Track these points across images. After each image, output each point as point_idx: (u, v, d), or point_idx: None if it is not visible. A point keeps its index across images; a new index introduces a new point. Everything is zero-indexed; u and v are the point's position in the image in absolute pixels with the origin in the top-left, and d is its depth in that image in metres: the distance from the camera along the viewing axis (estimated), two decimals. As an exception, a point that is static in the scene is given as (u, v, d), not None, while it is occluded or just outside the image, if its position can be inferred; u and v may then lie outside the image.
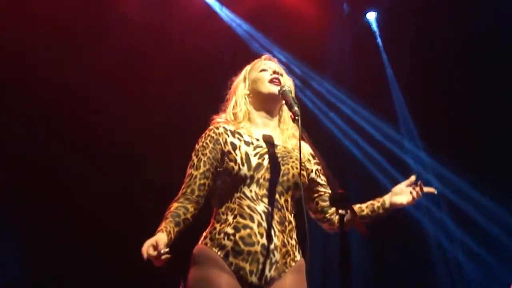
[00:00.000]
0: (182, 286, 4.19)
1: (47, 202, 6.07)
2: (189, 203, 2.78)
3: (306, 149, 2.93)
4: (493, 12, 6.32)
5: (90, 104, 6.19)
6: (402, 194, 2.90)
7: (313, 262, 2.78)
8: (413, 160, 6.89)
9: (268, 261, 2.68)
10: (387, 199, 2.91)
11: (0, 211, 5.97)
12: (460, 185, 6.62)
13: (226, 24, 6.76)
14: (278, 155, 2.83)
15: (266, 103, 2.93)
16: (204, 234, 2.80)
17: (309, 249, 2.67)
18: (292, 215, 2.83)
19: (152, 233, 2.68)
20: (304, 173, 2.86)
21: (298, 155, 2.76)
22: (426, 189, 2.90)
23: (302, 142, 2.74)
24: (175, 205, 2.77)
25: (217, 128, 2.88)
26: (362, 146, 6.91)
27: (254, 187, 2.75)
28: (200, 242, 2.78)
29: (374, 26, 7.03)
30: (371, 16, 7.06)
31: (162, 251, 2.51)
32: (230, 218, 2.73)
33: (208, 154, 2.83)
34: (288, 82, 2.98)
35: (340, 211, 2.35)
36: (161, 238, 2.57)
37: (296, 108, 2.72)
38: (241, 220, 2.71)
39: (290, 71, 4.36)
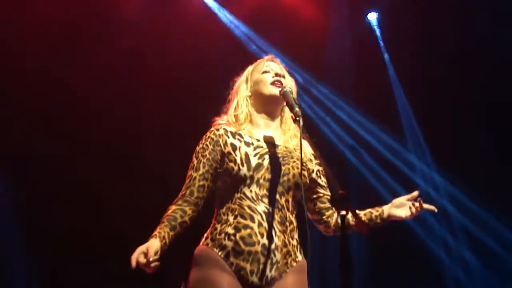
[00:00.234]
0: (183, 287, 4.19)
1: (47, 202, 6.08)
2: (188, 205, 2.79)
3: (308, 149, 2.92)
4: (494, 12, 6.32)
5: (90, 104, 6.19)
6: (402, 207, 2.88)
7: (312, 263, 2.76)
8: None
9: (269, 261, 2.68)
10: (386, 209, 2.90)
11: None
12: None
13: (226, 25, 6.75)
14: (279, 155, 2.83)
15: (268, 105, 2.93)
16: (205, 235, 2.81)
17: (310, 249, 2.67)
18: (294, 215, 2.83)
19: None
20: (305, 173, 2.85)
21: (299, 155, 2.76)
22: (426, 206, 2.88)
23: (303, 142, 2.74)
24: (172, 208, 2.78)
25: (217, 130, 2.89)
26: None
27: (254, 187, 2.75)
28: (201, 243, 2.79)
29: (376, 27, 7.01)
30: (372, 17, 7.04)
31: (150, 259, 2.52)
32: (231, 218, 2.74)
33: (208, 156, 2.84)
34: (290, 83, 2.98)
35: (340, 211, 2.34)
36: (152, 245, 2.59)
37: (297, 109, 2.72)
38: (241, 220, 2.72)
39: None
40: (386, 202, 2.96)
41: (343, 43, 6.96)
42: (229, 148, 2.82)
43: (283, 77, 2.96)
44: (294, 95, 2.87)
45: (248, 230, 2.69)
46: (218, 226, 2.76)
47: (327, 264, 6.37)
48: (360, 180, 6.76)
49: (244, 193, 2.75)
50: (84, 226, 6.06)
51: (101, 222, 6.01)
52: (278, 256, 2.70)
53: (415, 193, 2.89)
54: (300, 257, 2.81)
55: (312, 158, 2.94)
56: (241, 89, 2.99)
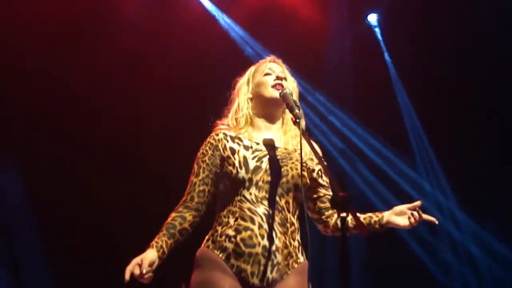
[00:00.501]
0: (183, 288, 4.21)
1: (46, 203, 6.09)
2: (188, 212, 2.82)
3: (308, 148, 2.87)
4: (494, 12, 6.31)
5: (90, 104, 6.19)
6: (402, 215, 2.82)
7: (311, 263, 2.75)
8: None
9: (270, 263, 2.69)
10: (386, 216, 2.83)
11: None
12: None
13: (225, 27, 6.75)
14: (278, 157, 2.83)
15: (268, 107, 2.93)
16: (206, 237, 2.82)
17: (309, 250, 2.68)
18: (295, 216, 2.82)
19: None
20: (305, 173, 2.85)
21: (299, 155, 2.76)
22: (426, 216, 2.81)
23: (304, 142, 2.73)
24: (172, 215, 2.81)
25: (217, 135, 2.91)
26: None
27: (253, 190, 2.76)
28: (202, 245, 2.80)
29: (376, 28, 6.97)
30: (373, 18, 7.01)
31: (144, 271, 2.55)
32: (232, 220, 2.75)
33: (207, 161, 2.86)
34: (291, 85, 2.98)
35: (341, 214, 2.34)
36: (147, 257, 2.62)
37: (297, 111, 2.72)
38: (242, 222, 2.72)
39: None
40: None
41: (343, 44, 6.93)
42: (228, 152, 2.84)
43: (285, 79, 2.95)
44: (295, 97, 2.87)
45: (249, 232, 2.70)
46: (219, 229, 2.77)
47: (326, 264, 6.37)
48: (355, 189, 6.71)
49: (244, 196, 2.76)
50: (83, 227, 6.06)
51: (101, 222, 6.02)
52: (279, 257, 2.70)
53: (418, 203, 2.81)
54: (302, 259, 2.80)
55: (313, 157, 2.92)
56: (242, 91, 2.99)
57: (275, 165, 2.80)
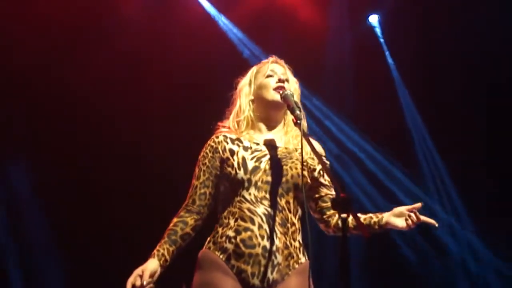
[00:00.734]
0: (184, 289, 4.22)
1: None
2: (189, 216, 2.83)
3: (309, 148, 2.83)
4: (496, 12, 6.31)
5: (89, 104, 6.18)
6: (401, 217, 2.77)
7: (311, 263, 2.75)
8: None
9: (270, 264, 2.68)
10: (385, 217, 2.80)
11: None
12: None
13: (224, 28, 6.76)
14: (278, 157, 2.83)
15: (270, 110, 2.93)
16: (208, 238, 2.83)
17: (310, 250, 2.69)
18: (297, 217, 2.82)
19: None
20: (306, 172, 2.83)
21: (299, 155, 2.76)
22: (424, 218, 2.75)
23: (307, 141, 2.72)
24: (174, 220, 2.82)
25: (217, 137, 2.92)
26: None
27: (252, 190, 2.76)
28: (204, 247, 2.81)
29: (377, 29, 6.94)
30: (374, 19, 6.97)
31: (144, 283, 2.59)
32: (232, 221, 2.75)
33: (208, 163, 2.87)
34: (293, 85, 2.97)
35: (342, 215, 2.34)
36: (148, 268, 2.65)
37: (298, 112, 2.71)
38: (242, 223, 2.72)
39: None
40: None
41: (343, 46, 6.89)
42: (227, 154, 2.84)
43: (287, 80, 2.95)
44: (296, 98, 2.86)
45: (249, 233, 2.70)
46: (220, 230, 2.78)
47: (324, 265, 6.38)
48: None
49: (243, 196, 2.76)
50: (83, 227, 6.07)
51: (100, 223, 6.03)
52: (279, 258, 2.70)
53: (418, 205, 2.76)
54: (303, 259, 2.80)
55: (314, 156, 2.89)
56: (244, 92, 2.98)
57: (275, 165, 2.80)
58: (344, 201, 2.34)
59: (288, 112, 2.89)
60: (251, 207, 2.74)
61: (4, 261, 5.97)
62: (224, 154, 2.85)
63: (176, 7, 6.52)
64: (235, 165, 2.79)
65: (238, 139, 2.89)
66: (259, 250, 2.68)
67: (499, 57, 6.38)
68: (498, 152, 6.25)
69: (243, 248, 2.68)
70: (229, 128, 2.95)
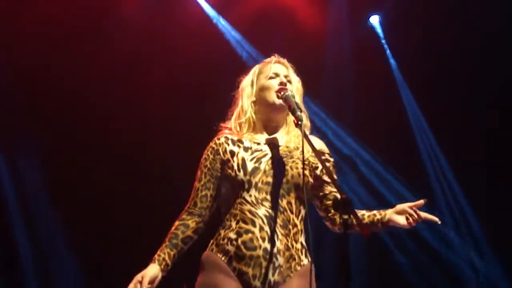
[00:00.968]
0: (185, 289, 4.23)
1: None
2: (191, 218, 2.83)
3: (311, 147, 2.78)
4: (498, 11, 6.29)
5: (90, 104, 6.19)
6: (403, 214, 2.73)
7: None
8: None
9: (271, 266, 2.67)
10: (388, 214, 2.75)
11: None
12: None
13: (224, 28, 6.75)
14: (278, 157, 2.81)
15: (272, 113, 2.90)
16: (211, 240, 2.83)
17: (310, 250, 2.69)
18: (299, 218, 2.78)
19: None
20: (307, 171, 2.80)
21: (300, 154, 2.73)
22: (425, 215, 2.71)
23: (310, 139, 2.71)
24: (176, 224, 2.83)
25: (218, 139, 2.91)
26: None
27: (253, 192, 2.74)
28: (207, 248, 2.81)
29: (378, 29, 6.89)
30: (375, 20, 6.93)
31: None
32: (233, 223, 2.74)
33: (209, 166, 2.87)
34: (296, 85, 2.94)
35: (343, 216, 2.33)
36: (147, 273, 2.67)
37: (299, 113, 2.68)
38: (243, 225, 2.71)
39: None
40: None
41: (343, 47, 6.85)
42: (228, 155, 2.83)
43: (289, 82, 2.91)
44: (297, 99, 2.84)
45: (250, 235, 2.69)
46: (222, 232, 2.77)
47: (324, 265, 6.37)
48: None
49: (244, 198, 2.75)
50: (83, 228, 6.08)
51: (100, 223, 6.03)
52: (280, 260, 2.69)
53: (421, 202, 2.71)
54: (305, 261, 2.77)
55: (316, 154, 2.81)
56: (246, 93, 2.94)
57: (275, 165, 2.78)
58: (344, 202, 2.34)
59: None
60: (252, 209, 2.73)
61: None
62: (224, 156, 2.84)
63: (176, 7, 6.52)
64: (235, 166, 2.78)
65: (240, 140, 2.87)
66: (260, 252, 2.67)
67: (501, 57, 6.37)
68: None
69: (244, 250, 2.67)
70: (231, 129, 2.93)
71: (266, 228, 2.70)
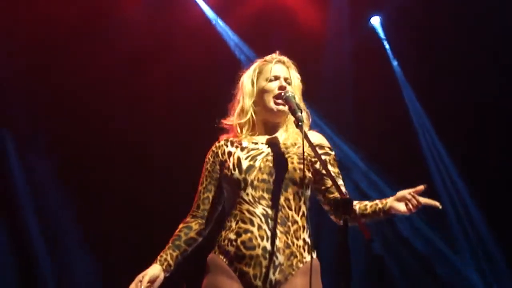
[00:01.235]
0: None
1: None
2: (194, 221, 2.87)
3: (312, 140, 2.70)
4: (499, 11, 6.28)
5: (89, 104, 6.19)
6: (403, 201, 2.65)
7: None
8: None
9: (272, 264, 2.65)
10: (389, 202, 2.68)
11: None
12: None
13: (223, 29, 6.76)
14: (273, 154, 2.79)
15: (271, 115, 2.89)
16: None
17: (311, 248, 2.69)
18: (300, 213, 2.75)
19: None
20: (305, 166, 2.76)
21: (297, 149, 2.74)
22: (425, 200, 2.63)
23: (310, 134, 2.69)
24: (180, 226, 2.88)
25: (218, 142, 2.93)
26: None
27: (250, 190, 2.73)
28: (213, 251, 2.81)
29: (379, 31, 6.86)
30: (376, 21, 6.89)
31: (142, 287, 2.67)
32: (233, 224, 2.74)
33: (209, 168, 2.90)
34: (295, 81, 2.91)
35: (343, 216, 2.33)
36: (148, 273, 2.72)
37: (299, 114, 2.67)
38: (242, 225, 2.71)
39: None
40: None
41: (343, 49, 6.82)
42: (225, 156, 2.84)
43: (289, 83, 2.87)
44: (297, 99, 2.81)
45: (248, 234, 2.68)
46: (223, 233, 2.77)
47: (322, 264, 6.35)
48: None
49: (242, 197, 2.74)
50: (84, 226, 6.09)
51: (100, 224, 6.04)
52: (280, 258, 2.66)
53: (420, 187, 2.64)
54: (308, 258, 2.72)
55: (316, 148, 2.75)
56: (247, 92, 2.90)
57: (269, 162, 2.76)
58: (344, 202, 2.34)
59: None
60: (250, 208, 2.72)
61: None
62: (223, 157, 2.85)
63: (176, 7, 6.53)
64: (231, 166, 2.78)
65: (239, 141, 2.87)
66: (259, 251, 2.65)
67: (501, 57, 6.37)
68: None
69: (243, 250, 2.67)
70: (231, 127, 2.93)
71: (265, 226, 2.68)
